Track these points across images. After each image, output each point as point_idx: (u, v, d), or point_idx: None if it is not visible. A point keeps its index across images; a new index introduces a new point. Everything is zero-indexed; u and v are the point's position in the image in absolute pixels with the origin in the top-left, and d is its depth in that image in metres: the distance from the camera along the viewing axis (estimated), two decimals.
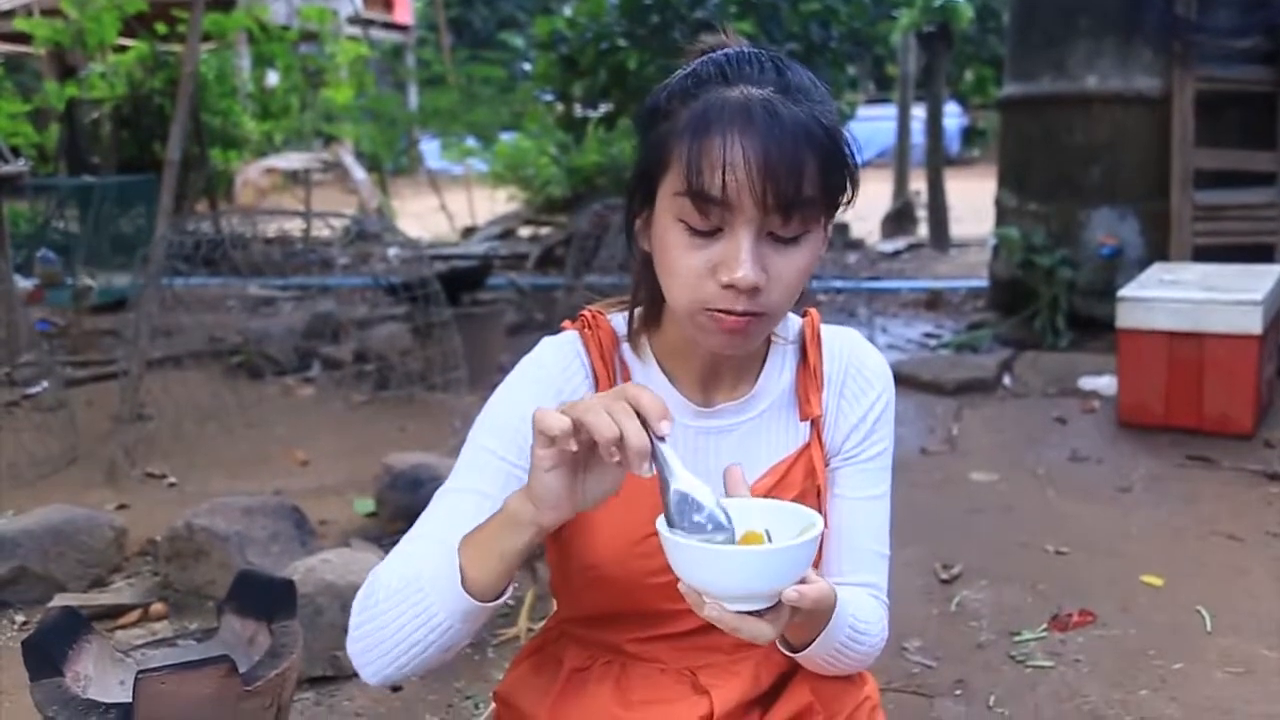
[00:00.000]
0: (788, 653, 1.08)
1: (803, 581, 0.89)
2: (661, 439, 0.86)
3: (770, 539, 0.91)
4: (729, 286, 0.95)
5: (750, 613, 0.88)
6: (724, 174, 0.92)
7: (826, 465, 1.15)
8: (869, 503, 1.16)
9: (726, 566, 0.85)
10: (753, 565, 0.85)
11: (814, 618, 1.01)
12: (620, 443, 0.84)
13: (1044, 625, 2.48)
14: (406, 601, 0.97)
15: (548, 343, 1.11)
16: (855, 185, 1.01)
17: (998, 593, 2.67)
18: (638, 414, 0.85)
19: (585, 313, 1.12)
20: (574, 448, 0.86)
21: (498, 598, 0.96)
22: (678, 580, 0.88)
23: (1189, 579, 2.70)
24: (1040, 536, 2.99)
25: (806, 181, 0.93)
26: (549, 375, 1.08)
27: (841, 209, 1.01)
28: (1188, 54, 4.79)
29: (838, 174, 0.97)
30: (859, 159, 1.00)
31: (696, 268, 0.96)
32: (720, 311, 0.97)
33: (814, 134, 0.94)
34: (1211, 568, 2.77)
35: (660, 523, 0.88)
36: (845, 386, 1.15)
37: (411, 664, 0.99)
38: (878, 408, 1.15)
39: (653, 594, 1.06)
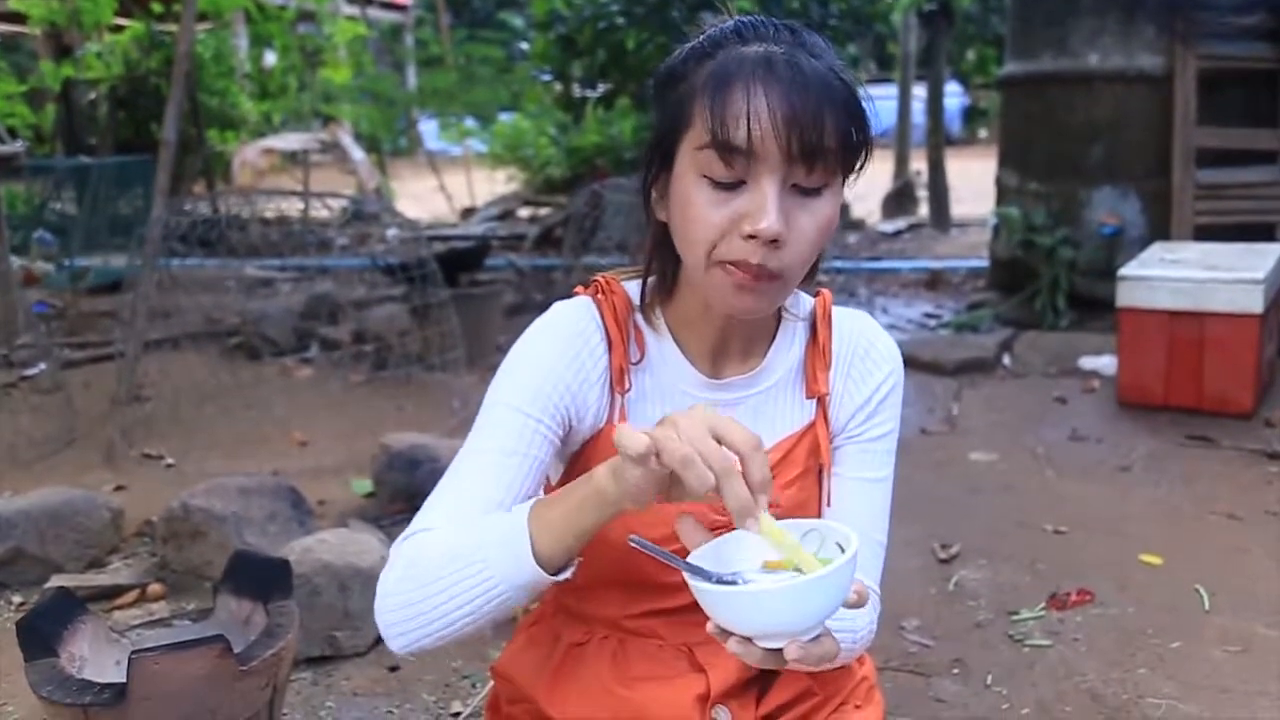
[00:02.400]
0: None
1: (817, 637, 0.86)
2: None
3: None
4: (751, 237, 0.94)
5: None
6: (749, 123, 0.92)
7: (831, 445, 1.14)
8: (867, 485, 1.14)
9: (803, 599, 0.80)
10: (830, 587, 0.80)
11: None
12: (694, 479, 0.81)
13: (1042, 604, 2.48)
14: (464, 571, 0.93)
15: (561, 307, 1.10)
16: (870, 145, 1.01)
17: (996, 572, 2.66)
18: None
19: (599, 278, 1.12)
20: (658, 469, 0.84)
21: (564, 570, 0.93)
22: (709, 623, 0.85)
23: (1188, 558, 2.69)
24: (1039, 516, 2.99)
25: (829, 131, 0.93)
26: (568, 334, 1.07)
27: (857, 171, 1.01)
28: (1190, 32, 4.75)
29: (857, 128, 0.97)
30: (875, 119, 1.00)
31: (718, 222, 0.96)
32: (735, 265, 0.96)
33: (834, 86, 0.94)
34: (1210, 547, 2.76)
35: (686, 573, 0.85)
36: (853, 366, 1.14)
37: (453, 634, 0.95)
38: (884, 389, 1.14)
39: (647, 563, 1.05)
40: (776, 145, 0.92)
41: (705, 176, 0.96)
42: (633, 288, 1.11)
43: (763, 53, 0.95)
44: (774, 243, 0.94)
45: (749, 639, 0.83)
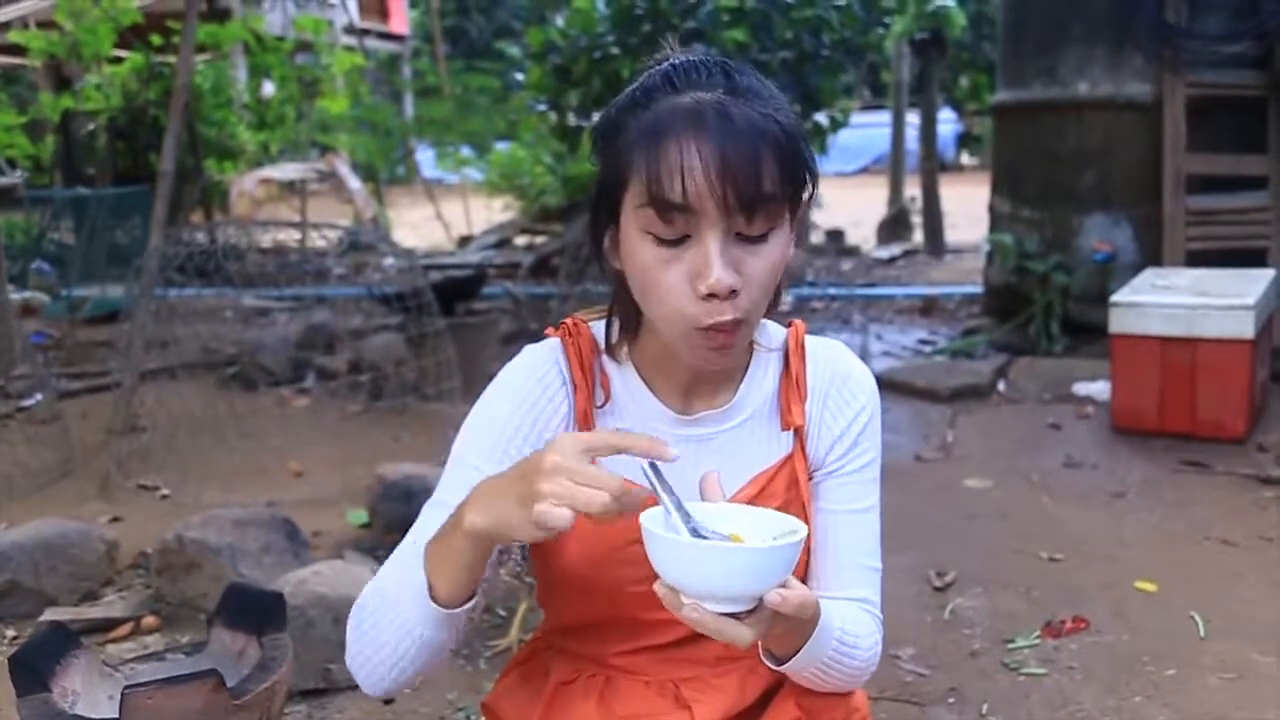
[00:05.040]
0: (773, 666, 1.05)
1: (785, 586, 0.87)
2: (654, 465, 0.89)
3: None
4: (710, 296, 0.94)
5: (730, 615, 0.85)
6: (683, 179, 0.92)
7: (810, 477, 1.14)
8: (856, 515, 1.14)
9: (708, 562, 0.83)
10: (735, 563, 0.83)
11: (797, 627, 0.98)
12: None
13: (1037, 632, 2.47)
14: (385, 617, 1.01)
15: (529, 351, 1.11)
16: (815, 179, 1.02)
17: (991, 600, 2.66)
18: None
19: (568, 320, 1.12)
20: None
21: (465, 603, 0.98)
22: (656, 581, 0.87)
23: (1183, 584, 2.69)
24: (1034, 543, 2.99)
25: (766, 178, 0.94)
26: (527, 388, 1.08)
27: (804, 206, 1.03)
28: (1178, 60, 4.80)
29: (796, 169, 0.97)
30: (811, 154, 1.01)
31: (674, 284, 0.96)
32: (712, 329, 0.96)
33: (768, 131, 0.94)
34: (1205, 573, 2.76)
35: (644, 516, 0.87)
36: (829, 397, 1.14)
37: (404, 674, 1.02)
38: (861, 419, 1.14)
39: (634, 602, 1.05)
40: (713, 200, 0.93)
41: (649, 233, 0.96)
42: (600, 328, 1.12)
43: (693, 104, 0.95)
44: (731, 292, 0.95)
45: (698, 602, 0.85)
